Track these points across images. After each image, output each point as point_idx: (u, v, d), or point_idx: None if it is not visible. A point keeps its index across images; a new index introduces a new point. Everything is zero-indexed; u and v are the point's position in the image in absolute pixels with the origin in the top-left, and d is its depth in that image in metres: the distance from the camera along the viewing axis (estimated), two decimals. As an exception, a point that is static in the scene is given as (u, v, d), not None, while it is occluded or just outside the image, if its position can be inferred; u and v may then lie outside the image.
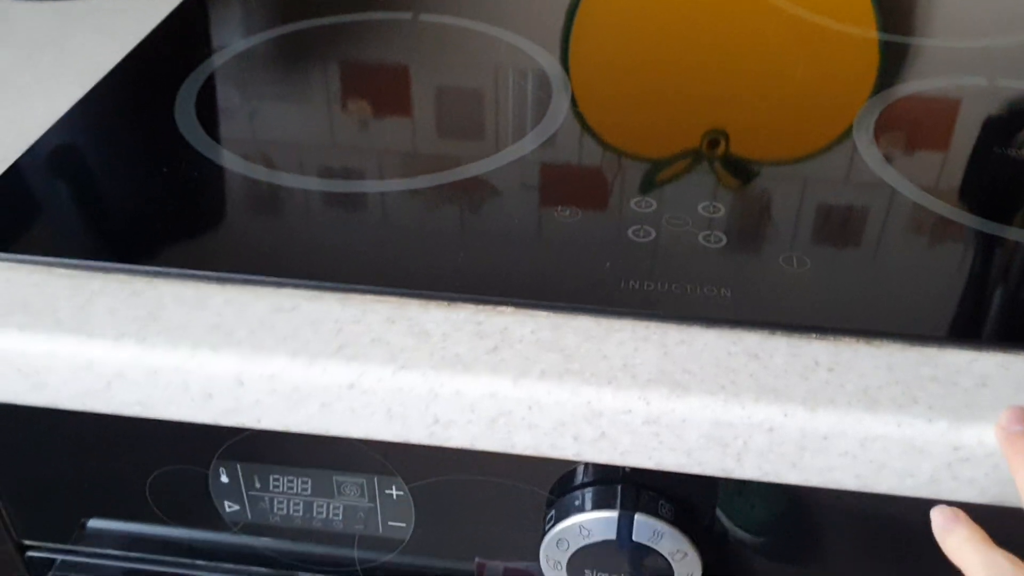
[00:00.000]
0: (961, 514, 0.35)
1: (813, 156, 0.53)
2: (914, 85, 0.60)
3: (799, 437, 0.37)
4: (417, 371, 0.39)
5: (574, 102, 0.58)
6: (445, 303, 0.42)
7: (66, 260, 0.44)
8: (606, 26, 0.68)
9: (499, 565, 0.49)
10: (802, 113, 0.57)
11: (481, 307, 0.42)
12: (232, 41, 0.65)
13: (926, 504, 0.37)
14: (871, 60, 0.63)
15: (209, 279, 0.43)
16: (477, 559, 0.49)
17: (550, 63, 0.62)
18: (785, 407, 0.37)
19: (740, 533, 0.45)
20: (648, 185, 0.49)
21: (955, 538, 0.34)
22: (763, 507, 0.44)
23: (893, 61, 0.63)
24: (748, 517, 0.44)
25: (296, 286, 0.43)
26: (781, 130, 0.55)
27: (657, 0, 0.71)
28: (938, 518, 0.35)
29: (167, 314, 0.41)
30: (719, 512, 0.44)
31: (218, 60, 0.62)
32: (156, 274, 0.43)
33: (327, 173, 0.51)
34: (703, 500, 0.44)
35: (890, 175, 0.51)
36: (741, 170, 0.51)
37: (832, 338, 0.40)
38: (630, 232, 0.46)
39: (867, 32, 0.67)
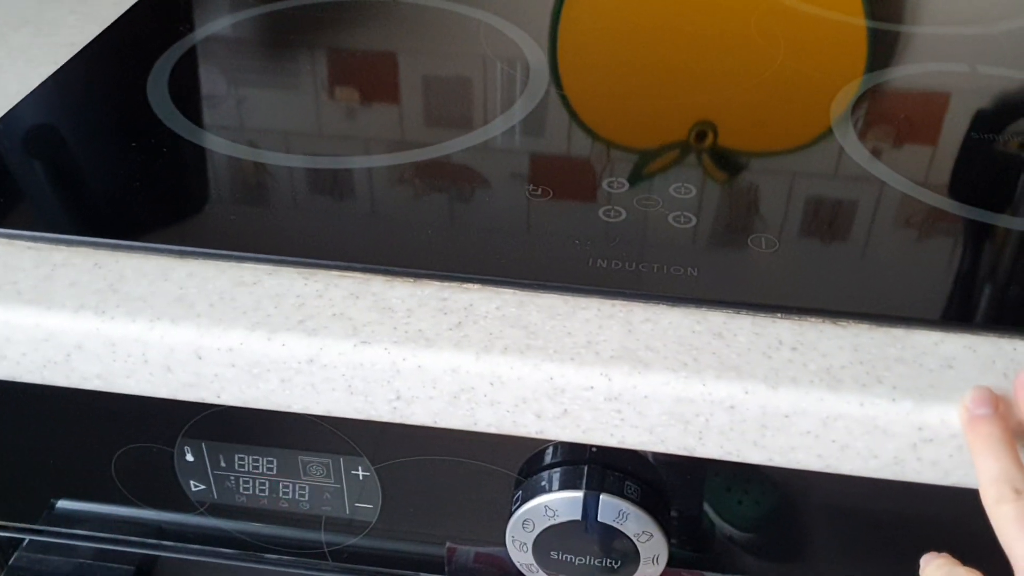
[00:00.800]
0: (946, 555, 0.36)
1: (796, 143, 0.52)
2: (896, 72, 0.60)
3: (760, 415, 0.36)
4: (379, 346, 0.38)
5: (559, 85, 0.57)
6: (411, 279, 0.42)
7: (29, 233, 0.44)
8: (593, 7, 0.67)
9: (470, 550, 0.49)
10: (788, 101, 0.56)
11: (447, 283, 0.42)
12: (210, 20, 0.64)
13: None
14: (859, 48, 0.63)
15: (172, 253, 0.43)
16: (448, 544, 0.49)
17: (530, 46, 0.62)
18: (746, 384, 0.36)
19: (728, 529, 0.44)
20: (636, 178, 0.48)
21: (931, 567, 0.36)
22: (751, 504, 0.43)
23: (879, 49, 0.63)
24: (736, 513, 0.44)
25: (260, 261, 0.42)
26: (768, 118, 0.55)
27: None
28: (924, 559, 0.37)
29: (128, 287, 0.41)
30: (707, 508, 0.44)
31: (194, 39, 0.62)
32: (119, 247, 0.43)
33: (299, 150, 0.51)
34: (670, 482, 0.43)
35: (868, 162, 0.50)
36: (725, 159, 0.51)
37: (797, 318, 0.40)
38: (601, 212, 0.46)
39: (855, 20, 0.66)
